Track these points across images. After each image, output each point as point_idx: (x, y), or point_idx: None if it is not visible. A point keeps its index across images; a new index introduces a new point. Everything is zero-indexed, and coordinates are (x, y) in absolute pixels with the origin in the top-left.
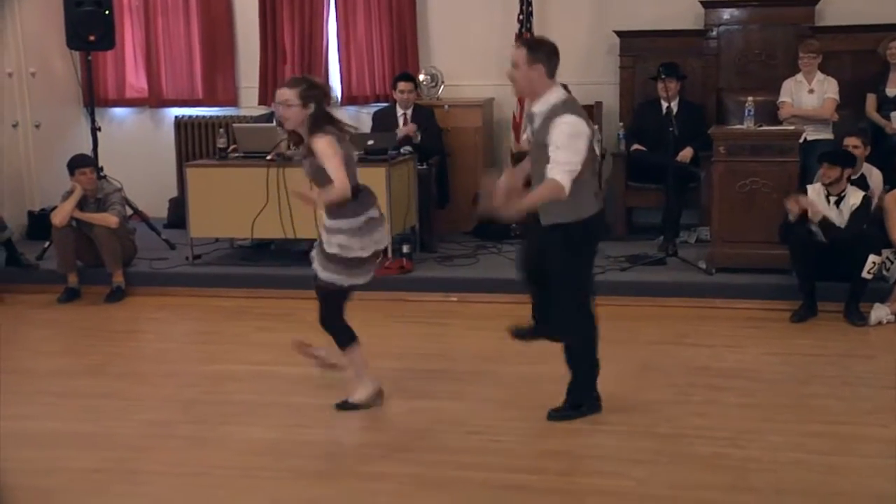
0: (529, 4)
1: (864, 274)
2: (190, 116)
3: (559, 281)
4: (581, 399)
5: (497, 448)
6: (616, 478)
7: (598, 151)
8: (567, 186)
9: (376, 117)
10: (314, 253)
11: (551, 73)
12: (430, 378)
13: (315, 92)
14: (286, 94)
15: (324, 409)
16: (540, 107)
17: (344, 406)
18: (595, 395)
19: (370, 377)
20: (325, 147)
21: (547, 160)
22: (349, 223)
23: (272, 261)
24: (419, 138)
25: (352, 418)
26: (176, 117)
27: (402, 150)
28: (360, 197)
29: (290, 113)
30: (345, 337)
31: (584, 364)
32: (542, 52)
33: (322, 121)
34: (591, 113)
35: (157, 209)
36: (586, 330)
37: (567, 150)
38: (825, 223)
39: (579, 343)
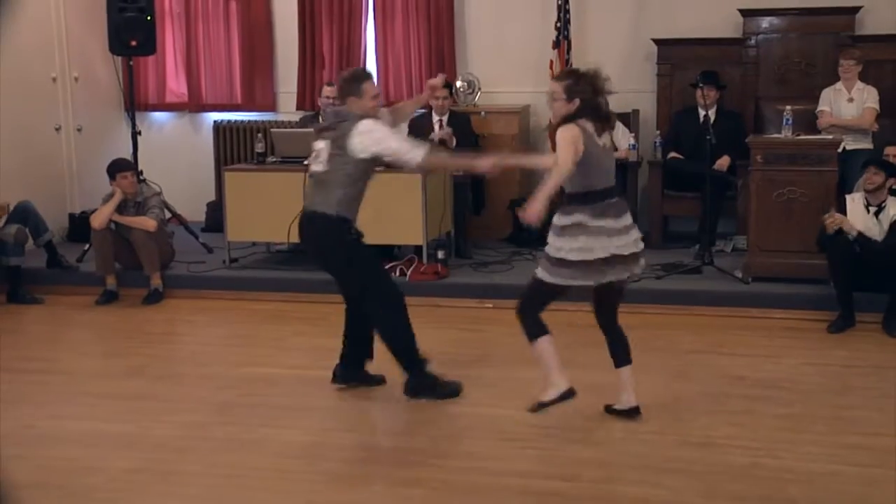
0: (567, 12)
1: None
2: (228, 121)
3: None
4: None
5: (531, 455)
6: (650, 486)
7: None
8: None
9: (412, 123)
10: None
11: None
12: (464, 384)
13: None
14: (553, 86)
15: (359, 412)
16: None
17: (537, 408)
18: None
19: (560, 376)
20: (562, 134)
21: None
22: (557, 219)
23: (309, 265)
24: (454, 143)
25: (387, 424)
26: (215, 122)
27: None
28: (586, 198)
29: (555, 106)
30: (533, 329)
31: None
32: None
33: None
34: (628, 121)
35: (195, 213)
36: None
37: None
38: (861, 239)
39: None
